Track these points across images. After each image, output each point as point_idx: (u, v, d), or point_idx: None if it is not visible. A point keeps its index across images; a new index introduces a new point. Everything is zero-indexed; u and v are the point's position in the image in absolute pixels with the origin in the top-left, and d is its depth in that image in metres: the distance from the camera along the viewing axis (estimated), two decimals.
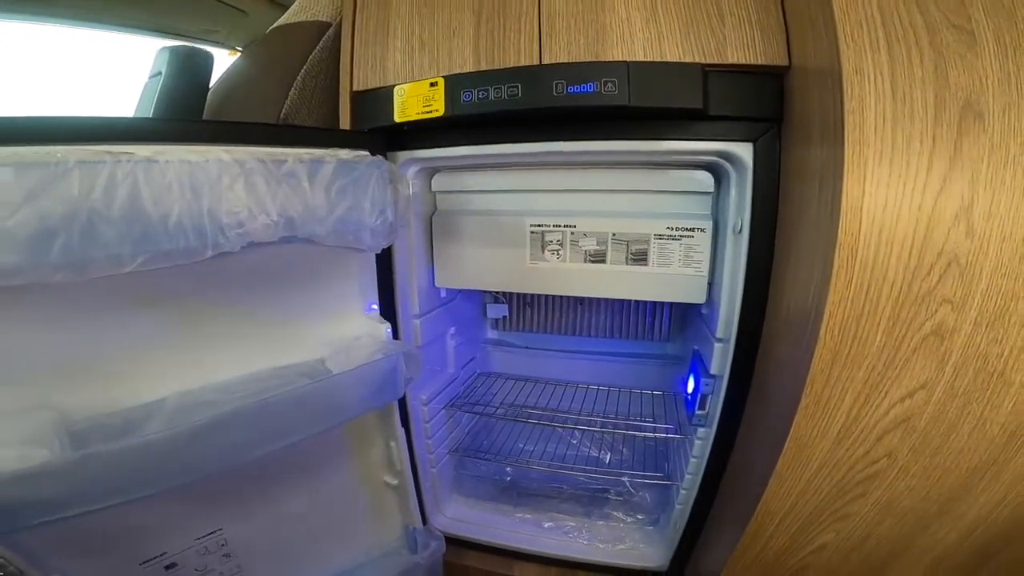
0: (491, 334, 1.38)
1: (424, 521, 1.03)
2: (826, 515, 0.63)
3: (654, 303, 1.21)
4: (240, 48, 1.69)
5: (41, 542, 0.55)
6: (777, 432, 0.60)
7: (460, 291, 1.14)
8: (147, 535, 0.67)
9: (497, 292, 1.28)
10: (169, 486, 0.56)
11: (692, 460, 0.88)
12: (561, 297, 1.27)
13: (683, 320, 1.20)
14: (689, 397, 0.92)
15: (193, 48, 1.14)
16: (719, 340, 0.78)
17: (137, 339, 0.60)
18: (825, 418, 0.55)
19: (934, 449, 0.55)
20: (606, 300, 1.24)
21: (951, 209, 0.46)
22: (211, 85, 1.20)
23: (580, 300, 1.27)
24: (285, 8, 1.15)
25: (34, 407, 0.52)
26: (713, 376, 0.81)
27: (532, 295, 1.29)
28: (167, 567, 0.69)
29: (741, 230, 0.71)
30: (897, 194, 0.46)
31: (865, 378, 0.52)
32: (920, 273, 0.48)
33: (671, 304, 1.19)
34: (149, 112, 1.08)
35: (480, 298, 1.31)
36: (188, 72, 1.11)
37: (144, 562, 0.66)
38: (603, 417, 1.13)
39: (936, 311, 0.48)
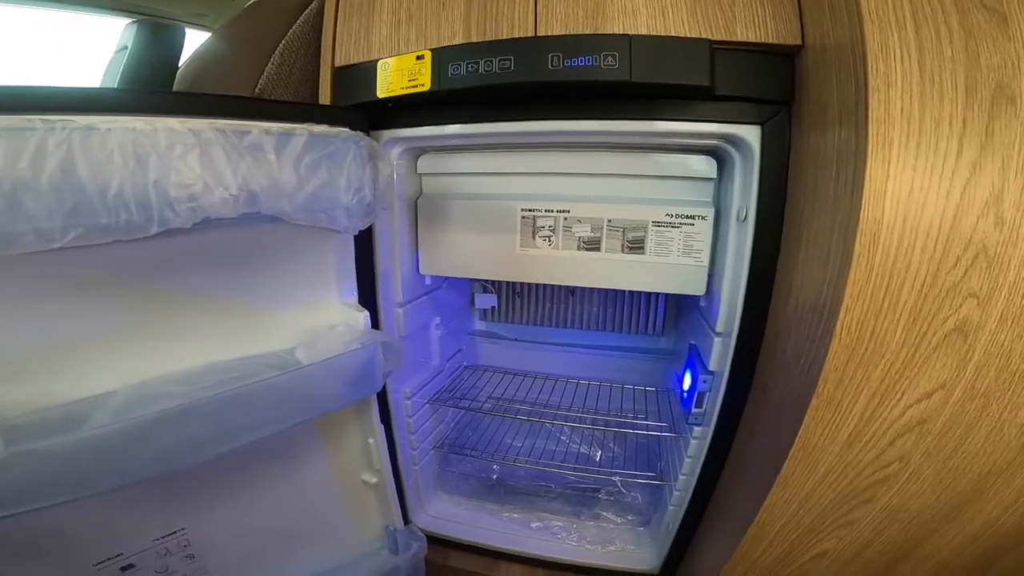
0: (479, 325, 1.34)
1: (406, 520, 0.99)
2: (829, 522, 0.60)
3: (648, 294, 1.17)
4: None
5: None
6: (783, 434, 0.56)
7: (446, 279, 1.10)
8: (100, 535, 0.63)
9: (486, 281, 1.24)
10: (117, 486, 0.52)
11: (687, 460, 0.84)
12: (552, 287, 1.23)
13: (678, 312, 1.16)
14: (685, 394, 0.88)
15: (162, 22, 1.08)
16: (719, 334, 0.74)
17: (82, 327, 0.55)
18: (836, 420, 0.52)
19: (948, 453, 0.52)
20: (598, 291, 1.20)
21: (981, 197, 0.43)
22: (182, 63, 1.13)
23: (571, 290, 1.22)
24: None
25: None
26: (711, 373, 0.77)
27: (522, 284, 1.25)
28: (123, 568, 0.66)
29: (746, 218, 0.67)
30: (924, 179, 0.43)
31: (881, 378, 0.48)
32: (946, 265, 0.44)
33: (666, 295, 1.15)
34: None
35: (467, 287, 1.27)
36: (156, 47, 1.05)
37: (98, 563, 0.63)
38: (594, 413, 1.09)
39: (961, 306, 0.45)
